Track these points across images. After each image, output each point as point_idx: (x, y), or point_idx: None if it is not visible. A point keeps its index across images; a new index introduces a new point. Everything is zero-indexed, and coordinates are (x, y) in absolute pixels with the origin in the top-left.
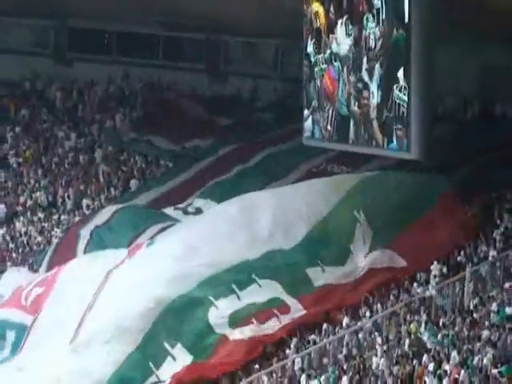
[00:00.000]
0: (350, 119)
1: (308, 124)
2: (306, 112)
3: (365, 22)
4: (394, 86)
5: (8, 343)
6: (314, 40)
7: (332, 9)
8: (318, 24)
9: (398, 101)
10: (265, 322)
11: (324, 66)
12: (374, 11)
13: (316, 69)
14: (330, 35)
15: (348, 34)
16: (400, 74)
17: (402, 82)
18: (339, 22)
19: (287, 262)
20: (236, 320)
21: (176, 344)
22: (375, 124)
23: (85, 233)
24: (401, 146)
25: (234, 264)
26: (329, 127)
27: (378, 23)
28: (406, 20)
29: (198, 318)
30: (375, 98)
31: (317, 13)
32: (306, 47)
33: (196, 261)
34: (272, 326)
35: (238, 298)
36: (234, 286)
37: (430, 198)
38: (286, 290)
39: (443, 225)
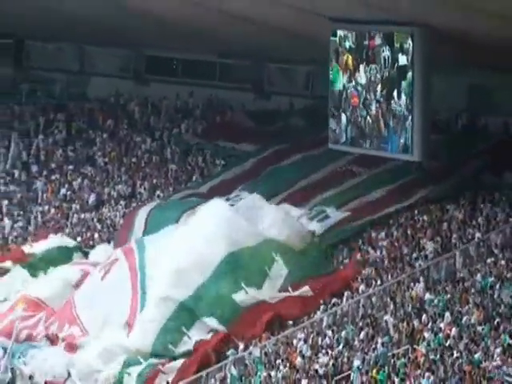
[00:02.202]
0: (366, 118)
1: (343, 124)
2: (342, 117)
3: (374, 66)
4: (392, 101)
5: None
6: (346, 76)
7: (356, 58)
8: (349, 66)
9: (394, 110)
10: None
11: (351, 89)
12: (381, 61)
13: (348, 92)
14: (356, 73)
15: (366, 72)
16: (395, 94)
17: (396, 99)
18: (361, 65)
19: (216, 293)
20: None
21: None
22: (381, 122)
23: (142, 213)
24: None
25: (176, 307)
26: (356, 124)
27: (382, 67)
28: (400, 64)
29: None
30: (375, 108)
31: (347, 60)
32: (343, 79)
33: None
34: None
35: (189, 337)
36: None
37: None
38: (220, 322)
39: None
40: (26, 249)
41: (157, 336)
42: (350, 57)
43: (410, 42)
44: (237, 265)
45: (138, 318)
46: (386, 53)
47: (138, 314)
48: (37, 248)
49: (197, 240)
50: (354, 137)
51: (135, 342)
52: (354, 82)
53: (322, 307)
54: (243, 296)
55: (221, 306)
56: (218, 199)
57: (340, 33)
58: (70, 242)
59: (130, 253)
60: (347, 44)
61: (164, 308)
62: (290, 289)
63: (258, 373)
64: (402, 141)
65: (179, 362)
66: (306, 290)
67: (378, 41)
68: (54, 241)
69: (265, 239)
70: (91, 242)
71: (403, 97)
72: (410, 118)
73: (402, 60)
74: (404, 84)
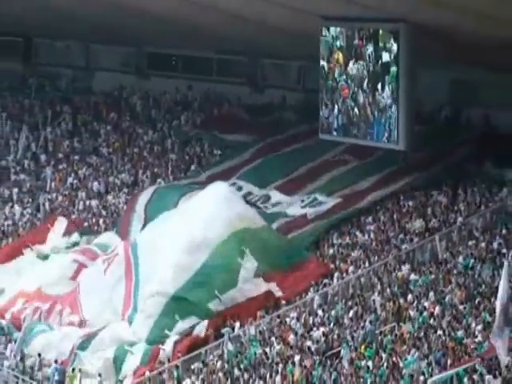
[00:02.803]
0: (354, 107)
1: (335, 113)
2: (335, 107)
3: (361, 63)
4: (376, 93)
5: None
6: (338, 70)
7: (346, 55)
8: (340, 62)
9: (378, 101)
10: None
11: (342, 82)
12: (367, 58)
13: (339, 84)
14: (347, 67)
15: (354, 67)
16: (379, 87)
17: (380, 91)
18: (351, 61)
19: (194, 299)
20: None
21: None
22: (368, 110)
23: (143, 198)
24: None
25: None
26: (347, 113)
27: (367, 63)
28: (384, 60)
29: None
30: (362, 98)
31: (339, 57)
32: (335, 73)
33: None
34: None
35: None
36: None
37: (300, 255)
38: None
39: (308, 270)
40: (27, 252)
41: (150, 330)
42: (341, 54)
43: (392, 41)
44: (212, 270)
45: (130, 315)
46: (371, 50)
47: (131, 313)
48: (41, 249)
49: (196, 222)
50: (344, 124)
51: (131, 335)
52: (344, 76)
53: (311, 288)
54: (217, 304)
55: (198, 310)
56: (218, 182)
57: (332, 33)
58: (68, 241)
59: (127, 251)
60: (338, 43)
61: (156, 303)
62: (261, 279)
63: (254, 349)
64: (387, 131)
65: (171, 345)
66: (274, 287)
67: (365, 40)
68: (58, 241)
69: (261, 223)
70: (96, 228)
71: (387, 90)
72: (394, 109)
73: (386, 57)
74: (387, 78)
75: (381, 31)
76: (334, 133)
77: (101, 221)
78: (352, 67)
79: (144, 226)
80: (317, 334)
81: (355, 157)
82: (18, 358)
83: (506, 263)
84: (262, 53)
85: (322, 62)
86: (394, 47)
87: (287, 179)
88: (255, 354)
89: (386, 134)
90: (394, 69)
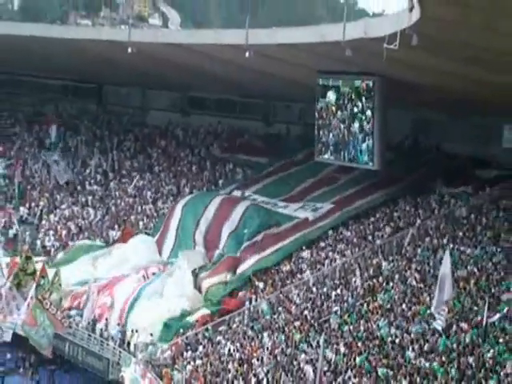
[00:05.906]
0: (339, 135)
1: (330, 141)
2: (330, 134)
3: (344, 112)
4: (351, 127)
5: None
6: (332, 114)
7: (337, 108)
8: (334, 111)
9: (358, 134)
10: None
11: (333, 121)
12: (348, 109)
13: (332, 122)
14: (338, 112)
15: (342, 113)
16: (354, 125)
17: (357, 128)
18: (339, 110)
19: None
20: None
21: None
22: (345, 136)
23: (179, 206)
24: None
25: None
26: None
27: (348, 112)
28: (356, 110)
29: None
30: (347, 132)
31: (333, 108)
32: (330, 116)
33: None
34: None
35: None
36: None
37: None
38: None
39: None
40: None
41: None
42: (334, 107)
43: (358, 101)
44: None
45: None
46: (349, 106)
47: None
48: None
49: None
50: (337, 142)
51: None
52: (335, 118)
53: (308, 271)
54: None
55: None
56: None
57: (328, 97)
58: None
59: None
60: (332, 101)
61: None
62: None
63: (266, 317)
64: (366, 155)
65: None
66: None
67: (346, 101)
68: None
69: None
70: (150, 225)
71: (360, 127)
72: (365, 139)
73: (355, 109)
74: (357, 120)
75: (353, 96)
76: (326, 156)
77: (152, 221)
78: (339, 113)
79: (176, 240)
80: (312, 305)
81: (342, 174)
82: (90, 321)
83: (447, 252)
84: (273, 97)
85: (322, 112)
86: (360, 104)
87: (294, 192)
88: (266, 320)
89: (365, 158)
90: (359, 115)
